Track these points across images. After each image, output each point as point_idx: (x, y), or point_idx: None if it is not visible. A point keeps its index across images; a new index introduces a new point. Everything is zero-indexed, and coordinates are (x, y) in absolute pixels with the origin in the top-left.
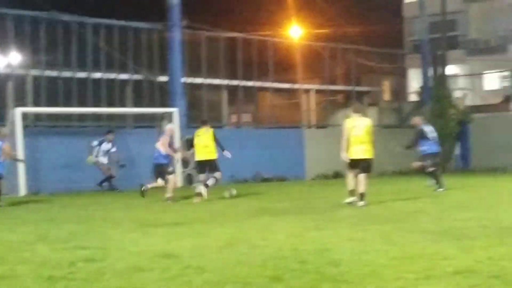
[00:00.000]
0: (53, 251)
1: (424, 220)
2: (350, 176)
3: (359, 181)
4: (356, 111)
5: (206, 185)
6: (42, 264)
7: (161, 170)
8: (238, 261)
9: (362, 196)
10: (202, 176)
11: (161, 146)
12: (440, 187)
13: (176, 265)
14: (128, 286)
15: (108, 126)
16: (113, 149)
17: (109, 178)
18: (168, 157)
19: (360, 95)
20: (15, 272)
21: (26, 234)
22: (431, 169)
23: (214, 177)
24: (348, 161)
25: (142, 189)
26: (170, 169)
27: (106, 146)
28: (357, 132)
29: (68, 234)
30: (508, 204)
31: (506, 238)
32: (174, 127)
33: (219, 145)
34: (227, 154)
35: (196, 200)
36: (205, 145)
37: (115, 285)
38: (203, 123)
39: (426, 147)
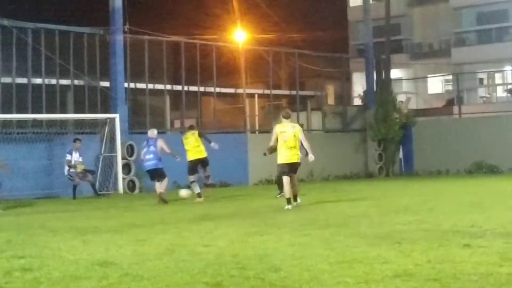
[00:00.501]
0: None
1: (365, 224)
2: (285, 182)
3: (292, 183)
4: (286, 117)
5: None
6: None
7: (160, 173)
8: (178, 268)
9: (295, 197)
10: (192, 177)
11: (165, 149)
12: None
13: (114, 273)
14: None
15: (48, 133)
16: (80, 158)
17: (75, 187)
18: (161, 161)
19: (304, 99)
20: None
21: None
22: None
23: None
24: (280, 165)
25: (161, 197)
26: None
27: (75, 155)
28: (286, 138)
29: (5, 243)
30: (448, 207)
31: (445, 241)
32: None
33: (207, 139)
34: (214, 145)
35: (198, 200)
36: (194, 145)
37: None
38: (190, 128)
39: None
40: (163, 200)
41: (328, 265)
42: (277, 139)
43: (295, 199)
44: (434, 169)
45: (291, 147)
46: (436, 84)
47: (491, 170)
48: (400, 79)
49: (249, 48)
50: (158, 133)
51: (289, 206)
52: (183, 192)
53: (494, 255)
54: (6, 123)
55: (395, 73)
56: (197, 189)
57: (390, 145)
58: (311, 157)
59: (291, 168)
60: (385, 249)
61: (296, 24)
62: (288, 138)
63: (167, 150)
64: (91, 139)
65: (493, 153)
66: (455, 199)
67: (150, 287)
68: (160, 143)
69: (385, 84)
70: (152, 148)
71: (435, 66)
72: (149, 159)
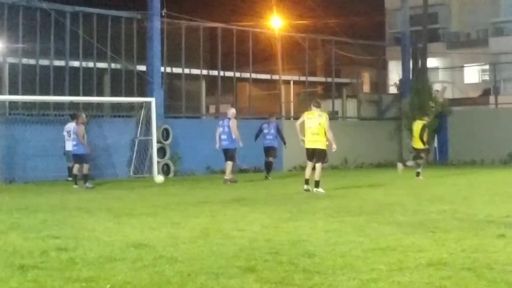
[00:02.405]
0: (25, 240)
1: (399, 212)
2: (308, 166)
3: (315, 170)
4: (316, 106)
5: None
6: (13, 253)
7: (229, 154)
8: (212, 251)
9: (315, 184)
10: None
11: (232, 131)
12: None
13: (148, 255)
14: (99, 275)
15: (86, 116)
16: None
17: None
18: (236, 141)
19: (339, 86)
20: None
21: None
22: None
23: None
24: (305, 149)
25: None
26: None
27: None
28: (311, 124)
29: (41, 223)
30: (483, 197)
31: (479, 231)
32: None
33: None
34: None
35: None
36: (313, 133)
37: (87, 275)
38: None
39: None
40: (231, 181)
41: (362, 252)
42: (303, 125)
43: (316, 185)
44: (468, 159)
45: (315, 133)
46: (473, 74)
47: None
48: (436, 68)
49: (285, 34)
50: (192, 117)
51: (305, 186)
52: (158, 178)
53: None
54: (44, 105)
55: (431, 62)
56: None
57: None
58: (334, 147)
59: (314, 154)
60: (419, 237)
61: (332, 10)
62: (313, 125)
63: (233, 132)
64: (127, 122)
65: None
66: (490, 189)
67: (184, 269)
68: (231, 124)
69: (421, 73)
70: (226, 128)
71: (472, 56)
72: (223, 139)
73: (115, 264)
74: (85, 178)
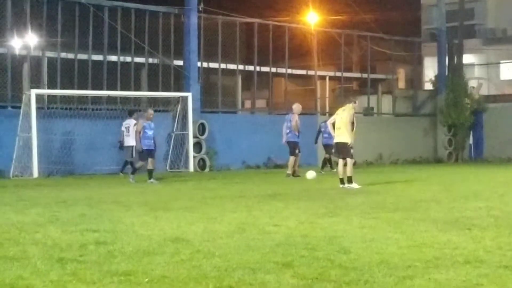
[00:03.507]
0: (64, 233)
1: (435, 209)
2: (339, 163)
3: (345, 167)
4: (349, 101)
5: None
6: (53, 246)
7: (289, 147)
8: (248, 246)
9: (347, 180)
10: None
11: (293, 125)
12: None
13: (186, 249)
14: (138, 269)
15: (122, 110)
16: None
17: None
18: (298, 136)
19: (374, 82)
20: (27, 254)
21: (37, 216)
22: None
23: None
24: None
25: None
26: (297, 149)
27: None
28: (335, 119)
29: (79, 217)
30: None
31: None
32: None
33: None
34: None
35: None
36: (337, 127)
37: (125, 268)
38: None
39: None
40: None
41: (398, 249)
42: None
43: (349, 181)
44: (504, 156)
45: (338, 127)
46: (509, 70)
47: None
48: (472, 65)
49: (321, 30)
50: (228, 112)
51: (340, 185)
52: (310, 174)
53: None
54: (82, 99)
55: (467, 58)
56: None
57: (460, 130)
58: (350, 142)
59: (337, 148)
60: (455, 234)
61: (368, 6)
62: (338, 119)
63: (291, 126)
64: (163, 117)
65: None
66: None
67: (222, 264)
68: (291, 118)
69: (457, 69)
70: (289, 123)
71: (508, 52)
72: (287, 133)
73: (153, 258)
74: (149, 173)
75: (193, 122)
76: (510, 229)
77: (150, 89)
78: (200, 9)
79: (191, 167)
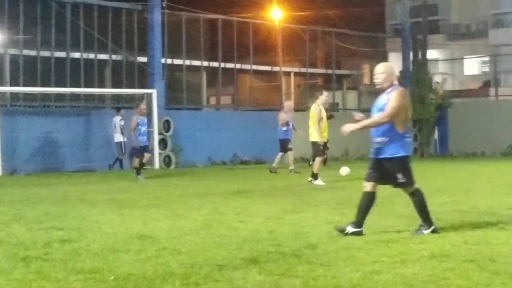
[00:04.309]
0: (28, 231)
1: (401, 204)
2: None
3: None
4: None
5: None
6: (17, 245)
7: (282, 144)
8: (215, 243)
9: (313, 176)
10: None
11: (279, 121)
12: None
13: (152, 246)
14: (103, 266)
15: (86, 107)
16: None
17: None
18: (287, 132)
19: (340, 78)
20: None
21: (1, 214)
22: None
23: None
24: None
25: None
26: (289, 145)
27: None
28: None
29: (44, 215)
30: (485, 189)
31: (482, 223)
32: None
33: None
34: None
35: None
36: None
37: (91, 266)
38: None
39: None
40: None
41: (365, 244)
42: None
43: (314, 178)
44: (469, 151)
45: (309, 126)
46: (473, 66)
47: None
48: (436, 60)
49: (285, 26)
50: (193, 109)
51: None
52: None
53: None
54: (45, 97)
55: (431, 54)
56: None
57: (425, 126)
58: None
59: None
60: None
61: (333, 2)
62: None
63: (279, 123)
64: (128, 114)
65: None
66: (491, 181)
67: (188, 261)
68: (279, 116)
69: (421, 65)
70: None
71: (472, 47)
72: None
73: (119, 256)
74: (136, 170)
75: (158, 119)
76: (476, 224)
77: (114, 86)
78: (164, 5)
79: (157, 164)
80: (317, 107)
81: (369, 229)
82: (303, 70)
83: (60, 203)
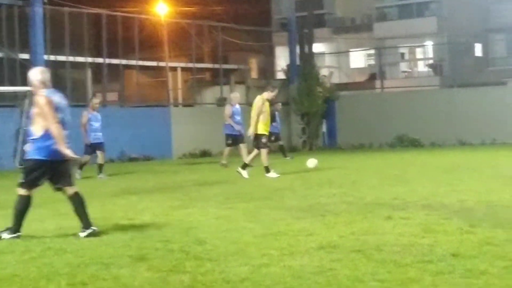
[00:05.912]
0: None
1: (290, 197)
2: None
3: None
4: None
5: None
6: None
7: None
8: (101, 241)
9: (266, 169)
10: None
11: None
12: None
13: (36, 247)
14: None
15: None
16: None
17: None
18: (231, 127)
19: (227, 73)
20: None
21: None
22: None
23: None
24: None
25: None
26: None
27: None
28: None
29: None
30: (372, 180)
31: (368, 214)
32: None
33: None
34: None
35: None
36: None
37: None
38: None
39: None
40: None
41: (253, 238)
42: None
43: (266, 171)
44: (357, 143)
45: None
46: (359, 59)
47: (413, 144)
48: (322, 53)
49: (171, 21)
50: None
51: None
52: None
53: (416, 227)
54: None
55: (317, 47)
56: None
57: (313, 119)
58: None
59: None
60: (309, 221)
61: None
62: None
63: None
64: (11, 112)
65: (415, 127)
66: (378, 173)
67: (74, 260)
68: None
69: (308, 58)
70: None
71: (357, 41)
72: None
73: (3, 257)
74: (99, 167)
75: None
76: (363, 214)
77: None
78: (45, 0)
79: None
80: (261, 100)
81: (258, 223)
82: (190, 65)
83: None
